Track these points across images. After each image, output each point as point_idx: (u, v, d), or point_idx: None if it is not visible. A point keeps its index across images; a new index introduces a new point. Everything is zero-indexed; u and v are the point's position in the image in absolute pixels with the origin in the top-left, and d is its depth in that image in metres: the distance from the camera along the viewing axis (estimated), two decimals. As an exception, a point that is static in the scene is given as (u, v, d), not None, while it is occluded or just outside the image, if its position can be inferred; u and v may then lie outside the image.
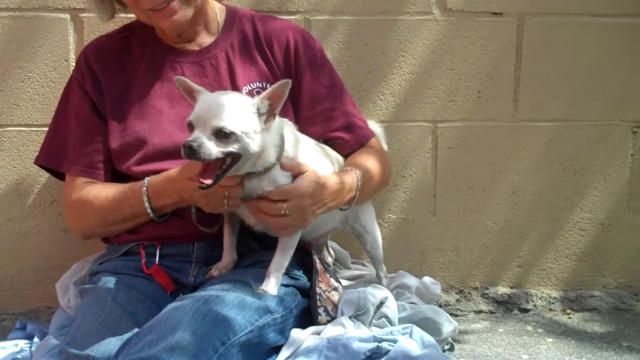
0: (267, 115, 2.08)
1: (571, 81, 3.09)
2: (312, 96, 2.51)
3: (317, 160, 2.31)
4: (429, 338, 2.22)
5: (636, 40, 3.09)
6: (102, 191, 2.37)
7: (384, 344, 2.12)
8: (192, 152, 1.96)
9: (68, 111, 2.47)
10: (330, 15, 2.96)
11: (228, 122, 2.00)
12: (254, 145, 2.04)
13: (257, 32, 2.52)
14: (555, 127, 3.11)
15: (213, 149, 1.98)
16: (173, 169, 2.27)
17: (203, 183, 1.99)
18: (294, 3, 2.93)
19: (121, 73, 2.45)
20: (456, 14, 3.01)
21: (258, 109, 2.07)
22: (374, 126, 2.72)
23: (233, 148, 2.01)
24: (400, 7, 2.98)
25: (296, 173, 2.17)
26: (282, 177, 2.17)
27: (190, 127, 2.03)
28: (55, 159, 2.48)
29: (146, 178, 2.30)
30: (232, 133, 2.00)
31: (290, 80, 2.09)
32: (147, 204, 2.29)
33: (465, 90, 3.06)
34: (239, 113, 2.04)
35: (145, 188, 2.28)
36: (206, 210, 2.23)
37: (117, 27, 2.62)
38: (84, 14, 2.84)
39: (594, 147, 3.14)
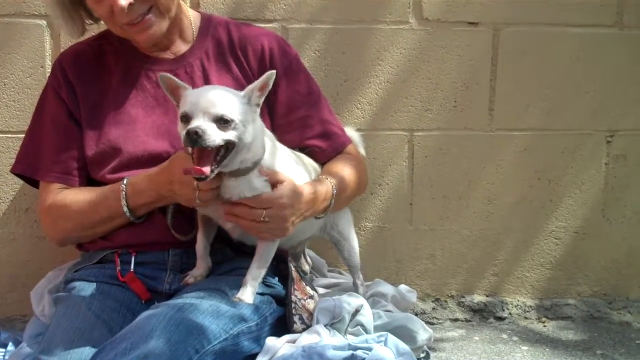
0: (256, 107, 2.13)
1: (546, 91, 3.12)
2: (289, 104, 2.50)
3: (293, 169, 2.31)
4: (404, 346, 2.22)
5: (610, 51, 3.12)
6: (80, 195, 2.36)
7: (359, 352, 2.11)
8: (197, 137, 1.95)
9: (44, 118, 2.46)
10: (307, 24, 2.97)
11: (228, 110, 2.02)
12: (248, 135, 2.07)
13: (232, 38, 2.51)
14: (530, 137, 3.14)
15: (217, 135, 1.99)
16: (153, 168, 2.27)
17: (203, 173, 1.98)
18: (271, 11, 2.94)
19: (96, 81, 2.44)
20: (433, 24, 3.03)
21: (249, 100, 2.10)
22: (352, 132, 2.72)
23: (232, 136, 2.02)
24: (377, 16, 3.00)
25: (274, 181, 2.17)
26: (259, 182, 2.15)
27: (186, 119, 2.02)
28: (31, 167, 2.46)
29: (126, 177, 2.29)
30: (232, 120, 2.02)
31: (275, 71, 2.12)
32: (124, 202, 2.27)
33: (441, 100, 3.08)
34: (235, 102, 2.06)
35: (124, 186, 2.27)
36: (181, 202, 2.22)
37: (93, 35, 2.61)
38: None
39: (569, 156, 3.17)
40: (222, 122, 2.01)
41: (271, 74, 2.12)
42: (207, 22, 2.53)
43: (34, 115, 2.51)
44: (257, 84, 2.12)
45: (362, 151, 2.75)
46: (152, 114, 2.41)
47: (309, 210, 2.26)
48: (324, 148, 2.54)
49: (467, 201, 3.16)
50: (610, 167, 3.20)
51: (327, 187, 2.35)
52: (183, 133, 1.99)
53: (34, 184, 2.51)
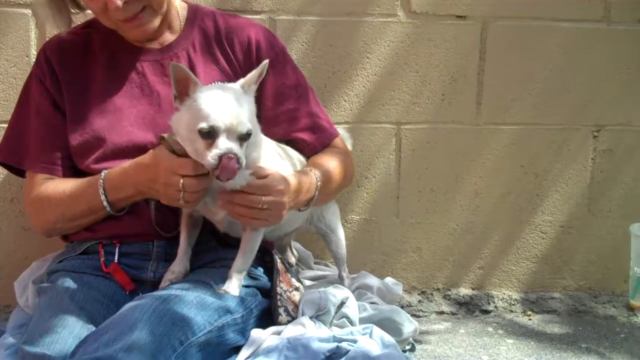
0: None
1: (534, 85, 3.12)
2: (275, 96, 2.49)
3: (278, 162, 2.30)
4: (389, 338, 2.22)
5: (598, 46, 3.13)
6: (60, 186, 2.34)
7: (344, 344, 2.12)
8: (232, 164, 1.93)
9: (28, 107, 2.44)
10: (295, 16, 2.96)
11: (249, 125, 2.01)
12: (256, 133, 2.09)
13: (218, 28, 2.49)
14: (517, 131, 3.15)
15: (242, 153, 1.97)
16: (128, 161, 2.24)
17: (234, 172, 1.95)
18: (258, 2, 2.93)
19: (81, 70, 2.42)
20: (420, 17, 3.02)
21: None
22: (340, 131, 2.71)
23: (247, 144, 2.02)
24: (365, 8, 2.99)
25: (261, 175, 2.16)
26: (247, 177, 2.12)
27: (209, 135, 1.95)
28: (15, 156, 2.45)
29: (103, 171, 2.27)
30: (250, 133, 2.01)
31: (267, 60, 2.13)
32: (103, 197, 2.25)
33: (429, 93, 3.08)
34: (250, 110, 2.06)
35: (102, 180, 2.25)
36: (163, 202, 2.18)
37: (79, 23, 2.59)
38: (46, 10, 2.81)
39: (555, 150, 3.17)
40: (244, 137, 2.00)
41: (265, 64, 2.11)
42: (194, 13, 2.51)
43: (18, 104, 2.49)
44: (253, 76, 2.10)
45: (349, 145, 2.75)
46: (138, 104, 2.39)
47: (292, 201, 2.25)
48: (311, 141, 2.53)
49: (454, 194, 3.16)
50: (597, 162, 3.21)
51: (311, 178, 2.34)
52: (211, 154, 1.94)
53: (18, 172, 2.50)
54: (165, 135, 2.13)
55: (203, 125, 1.96)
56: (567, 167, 3.19)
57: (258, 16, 2.91)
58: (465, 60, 3.08)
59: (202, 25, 2.49)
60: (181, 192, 2.07)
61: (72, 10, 2.42)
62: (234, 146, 1.95)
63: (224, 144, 1.95)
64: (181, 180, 2.05)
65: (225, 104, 2.01)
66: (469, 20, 3.05)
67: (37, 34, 2.83)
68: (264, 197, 2.11)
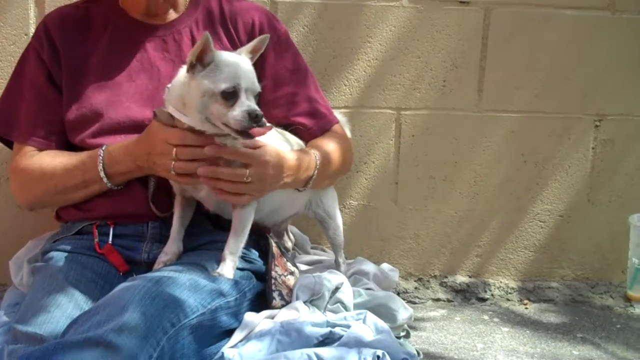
0: None
1: (536, 73, 3.10)
2: (275, 79, 2.48)
3: (276, 144, 2.29)
4: (382, 324, 2.21)
5: (602, 35, 3.10)
6: (56, 158, 2.34)
7: (337, 329, 2.11)
8: (258, 119, 1.99)
9: (23, 80, 2.43)
10: (296, -2, 2.95)
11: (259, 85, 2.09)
12: None
13: (223, 10, 2.49)
14: (518, 119, 3.13)
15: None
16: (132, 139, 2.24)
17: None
18: (260, -16, 2.91)
19: (81, 44, 2.41)
20: (423, 2, 3.00)
21: None
22: (338, 115, 2.70)
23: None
24: (368, -8, 2.97)
25: (256, 146, 2.15)
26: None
27: (231, 95, 2.00)
28: (5, 126, 2.44)
29: (104, 145, 2.27)
30: (260, 93, 2.09)
31: (268, 35, 2.16)
32: (101, 167, 2.24)
33: (430, 79, 3.06)
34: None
35: (102, 151, 2.25)
36: (160, 174, 2.19)
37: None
38: (45, -12, 2.80)
39: (556, 139, 3.16)
40: (257, 97, 2.06)
41: (264, 37, 2.15)
42: None
43: (13, 75, 2.48)
44: (249, 46, 2.13)
45: (348, 132, 2.74)
46: (137, 79, 2.38)
47: (290, 177, 2.25)
48: (310, 126, 2.52)
49: (453, 181, 3.15)
50: (597, 152, 3.19)
51: (310, 157, 2.35)
52: (237, 112, 1.98)
53: (7, 143, 2.49)
54: (156, 109, 2.15)
55: (227, 85, 2.00)
56: (568, 156, 3.18)
57: (259, -2, 2.90)
58: (468, 46, 3.06)
59: (207, 5, 2.49)
60: (172, 162, 2.08)
61: None
62: (253, 103, 2.02)
63: (246, 102, 2.01)
64: (174, 150, 2.06)
65: (243, 65, 2.07)
66: (472, 6, 3.03)
67: (36, 12, 2.81)
68: (247, 170, 2.10)
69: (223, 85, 2.00)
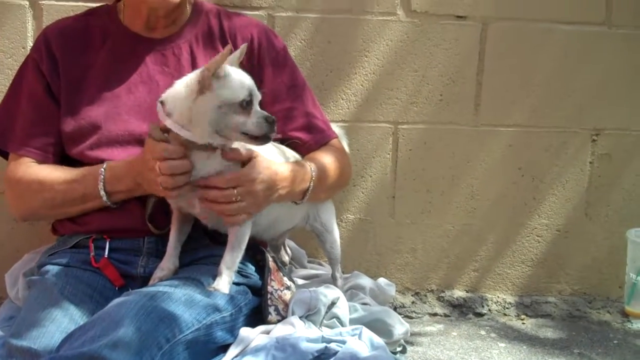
0: None
1: (533, 87, 3.10)
2: (273, 94, 2.48)
3: (272, 157, 2.29)
4: (378, 340, 2.21)
5: (598, 49, 3.11)
6: (55, 172, 2.34)
7: (333, 345, 2.10)
8: (275, 123, 2.10)
9: (21, 90, 2.43)
10: (294, 12, 2.95)
11: None
12: None
13: (222, 26, 2.51)
14: (515, 133, 3.13)
15: None
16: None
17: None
18: (258, -1, 2.92)
19: (81, 56, 2.42)
20: (420, 16, 3.00)
21: None
22: (335, 128, 2.70)
23: None
24: (365, 6, 2.98)
25: (246, 159, 2.15)
26: (222, 161, 2.13)
27: (246, 104, 2.07)
28: (1, 136, 2.44)
29: (106, 162, 2.27)
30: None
31: (245, 45, 2.19)
32: (101, 185, 2.25)
33: (427, 93, 3.06)
34: None
35: (103, 169, 2.25)
36: (151, 191, 2.19)
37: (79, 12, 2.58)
38: (43, 1, 2.80)
39: (553, 153, 3.16)
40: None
41: (243, 47, 2.18)
42: (199, 8, 2.53)
43: (11, 86, 2.48)
44: (233, 56, 2.13)
45: (345, 145, 2.73)
46: (136, 92, 2.39)
47: (285, 189, 2.25)
48: (306, 140, 2.52)
49: (450, 196, 3.14)
50: (595, 166, 3.19)
51: (306, 169, 2.35)
52: (254, 120, 2.06)
53: (2, 154, 2.49)
54: (150, 124, 2.16)
55: (245, 94, 2.07)
56: (565, 170, 3.18)
57: (257, 12, 2.90)
58: (465, 60, 3.06)
59: (207, 21, 2.51)
60: (159, 177, 2.07)
61: None
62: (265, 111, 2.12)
63: (259, 109, 2.10)
64: (158, 164, 2.06)
65: (247, 75, 2.14)
66: (469, 20, 3.03)
67: (34, 25, 2.81)
68: (235, 190, 2.10)
69: (242, 95, 2.06)
